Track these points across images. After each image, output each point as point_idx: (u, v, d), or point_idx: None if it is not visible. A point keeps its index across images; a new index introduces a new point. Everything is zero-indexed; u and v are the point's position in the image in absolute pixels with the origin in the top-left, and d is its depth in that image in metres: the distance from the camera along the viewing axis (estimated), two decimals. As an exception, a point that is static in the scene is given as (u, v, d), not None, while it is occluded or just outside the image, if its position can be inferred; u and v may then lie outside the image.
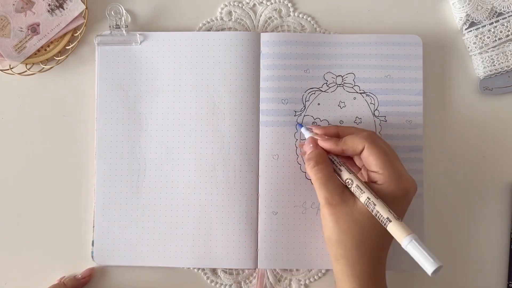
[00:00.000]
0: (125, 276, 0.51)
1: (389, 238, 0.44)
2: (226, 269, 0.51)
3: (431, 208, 0.52)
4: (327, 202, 0.44)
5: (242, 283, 0.51)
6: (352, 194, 0.44)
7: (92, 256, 0.51)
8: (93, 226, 0.51)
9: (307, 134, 0.49)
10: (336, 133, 0.47)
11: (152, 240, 0.50)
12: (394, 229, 0.40)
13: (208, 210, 0.50)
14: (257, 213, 0.50)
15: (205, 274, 0.51)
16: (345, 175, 0.44)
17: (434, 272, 0.38)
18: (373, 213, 0.42)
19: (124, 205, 0.51)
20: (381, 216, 0.41)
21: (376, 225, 0.42)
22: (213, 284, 0.51)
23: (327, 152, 0.46)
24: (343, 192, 0.44)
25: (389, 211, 0.41)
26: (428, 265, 0.38)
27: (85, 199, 0.52)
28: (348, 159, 0.48)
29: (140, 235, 0.50)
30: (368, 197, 0.42)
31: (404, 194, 0.44)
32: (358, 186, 0.43)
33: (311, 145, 0.47)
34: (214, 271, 0.52)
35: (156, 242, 0.50)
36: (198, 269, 0.51)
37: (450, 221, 0.52)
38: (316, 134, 0.48)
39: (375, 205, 0.42)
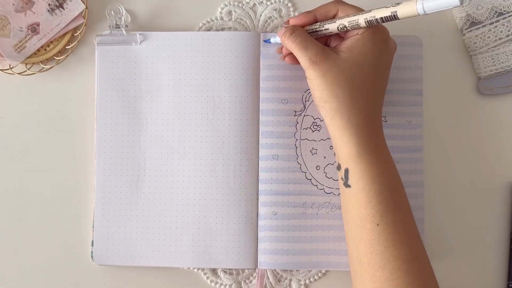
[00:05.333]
0: (125, 276, 0.51)
1: (381, 81, 0.44)
2: (226, 269, 0.51)
3: (431, 208, 0.52)
4: (311, 62, 0.43)
5: (242, 283, 0.51)
6: (333, 50, 0.44)
7: (92, 256, 0.51)
8: (93, 226, 0.51)
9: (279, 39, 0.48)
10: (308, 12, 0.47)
11: (152, 240, 0.50)
12: (404, 6, 0.39)
13: (208, 210, 0.50)
14: (257, 213, 0.50)
15: (205, 274, 0.51)
16: (335, 25, 0.44)
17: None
18: (377, 23, 0.42)
19: (124, 205, 0.51)
20: (387, 15, 0.40)
21: (363, 69, 0.43)
22: (213, 284, 0.51)
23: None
24: (324, 49, 0.44)
25: (387, 7, 0.40)
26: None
27: (85, 199, 0.52)
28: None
29: (140, 235, 0.50)
30: (365, 18, 0.42)
31: (385, 37, 0.44)
32: (351, 21, 0.43)
33: (283, 28, 0.46)
34: (214, 271, 0.52)
35: (156, 242, 0.50)
36: (198, 269, 0.51)
37: (450, 221, 0.52)
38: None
39: (374, 16, 0.41)
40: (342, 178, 0.44)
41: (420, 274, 0.41)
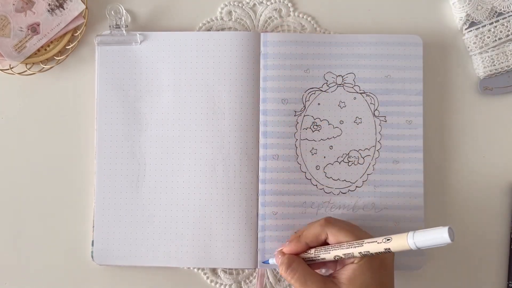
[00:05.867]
0: (125, 276, 0.51)
1: None
2: (226, 269, 0.51)
3: (431, 208, 0.52)
4: None
5: (242, 283, 0.51)
6: (333, 282, 0.43)
7: (92, 256, 0.51)
8: (93, 226, 0.51)
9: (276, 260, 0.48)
10: (298, 236, 0.46)
11: (152, 240, 0.50)
12: (396, 242, 0.40)
13: (208, 210, 0.50)
14: (257, 213, 0.50)
15: (205, 274, 0.51)
16: (330, 255, 0.44)
17: (450, 235, 0.36)
18: (373, 254, 0.41)
19: (124, 205, 0.51)
20: (380, 251, 0.41)
21: None
22: (213, 284, 0.51)
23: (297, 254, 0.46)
24: (326, 284, 0.43)
25: (378, 242, 0.41)
26: (441, 236, 0.37)
27: (85, 199, 0.52)
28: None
29: (140, 235, 0.50)
30: (359, 251, 0.42)
31: (381, 260, 0.44)
32: (346, 253, 0.43)
33: (279, 256, 0.46)
34: (214, 271, 0.52)
35: (156, 242, 0.50)
36: (198, 269, 0.51)
37: (450, 221, 0.52)
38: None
39: (369, 251, 0.41)
40: None
41: None
